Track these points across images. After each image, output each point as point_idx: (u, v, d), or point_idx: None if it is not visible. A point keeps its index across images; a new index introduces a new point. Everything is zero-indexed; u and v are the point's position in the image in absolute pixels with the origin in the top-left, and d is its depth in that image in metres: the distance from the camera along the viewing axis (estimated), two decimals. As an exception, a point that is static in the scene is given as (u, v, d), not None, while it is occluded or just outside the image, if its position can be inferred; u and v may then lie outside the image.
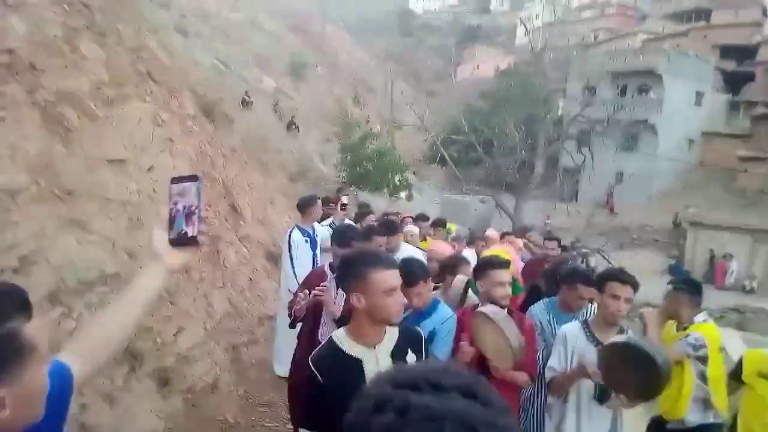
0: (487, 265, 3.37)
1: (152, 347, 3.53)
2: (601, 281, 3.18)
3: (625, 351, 2.66)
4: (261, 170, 11.56)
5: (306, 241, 5.32)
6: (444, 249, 4.70)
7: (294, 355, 3.95)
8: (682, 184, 32.71)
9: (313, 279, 3.79)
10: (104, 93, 4.32)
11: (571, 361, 3.14)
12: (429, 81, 68.27)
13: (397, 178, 20.25)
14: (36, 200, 2.94)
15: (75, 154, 3.52)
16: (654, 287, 10.84)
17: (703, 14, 51.19)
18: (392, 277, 2.16)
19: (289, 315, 3.81)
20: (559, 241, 6.90)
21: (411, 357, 2.29)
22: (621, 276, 3.13)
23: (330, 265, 3.83)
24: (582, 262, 4.31)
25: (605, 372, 2.74)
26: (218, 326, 4.64)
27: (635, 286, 3.15)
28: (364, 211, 7.85)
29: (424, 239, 6.92)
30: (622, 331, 3.13)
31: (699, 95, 34.78)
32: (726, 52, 42.42)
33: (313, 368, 2.17)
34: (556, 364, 3.23)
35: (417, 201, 23.38)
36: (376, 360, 2.16)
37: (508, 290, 3.28)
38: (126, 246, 3.58)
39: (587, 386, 3.05)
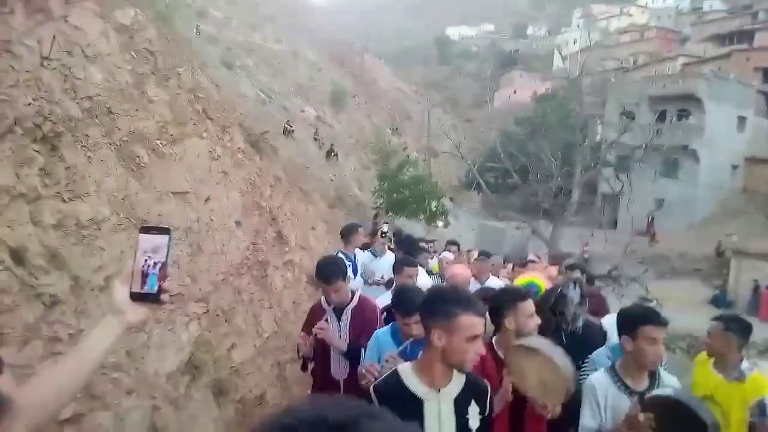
0: (515, 298, 3.08)
1: (210, 360, 3.95)
2: (633, 324, 2.79)
3: (671, 407, 2.41)
4: (302, 198, 12.03)
5: (348, 265, 5.71)
6: (463, 271, 4.83)
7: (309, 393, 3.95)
8: (725, 211, 32.10)
9: (313, 317, 3.71)
10: (168, 132, 4.83)
11: (605, 414, 2.80)
12: (467, 107, 68.86)
13: (433, 205, 20.58)
14: (116, 229, 3.40)
15: (146, 187, 4.00)
16: (697, 318, 10.82)
17: (745, 36, 50.39)
18: (479, 325, 2.12)
19: (299, 358, 3.75)
20: (582, 268, 6.24)
21: (474, 408, 2.24)
22: (657, 318, 2.77)
23: (326, 300, 3.69)
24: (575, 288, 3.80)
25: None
26: (266, 344, 5.04)
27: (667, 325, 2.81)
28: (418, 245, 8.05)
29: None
30: (653, 375, 2.84)
31: (741, 120, 34.26)
32: (769, 75, 41.72)
33: (373, 397, 2.19)
34: (590, 421, 2.85)
35: (453, 227, 23.61)
36: (438, 403, 2.15)
37: (537, 320, 3.04)
38: (189, 269, 4.03)
39: None
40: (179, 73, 6.12)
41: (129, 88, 4.78)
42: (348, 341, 3.54)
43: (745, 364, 3.40)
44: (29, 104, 3.25)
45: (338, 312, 3.65)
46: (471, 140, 49.05)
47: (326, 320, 3.58)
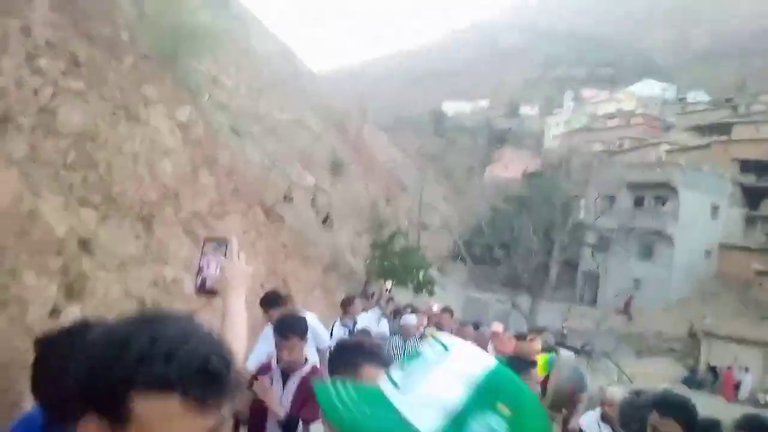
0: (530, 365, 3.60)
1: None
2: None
3: None
4: (303, 263, 13.28)
5: (346, 332, 6.75)
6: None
7: None
8: (699, 294, 33.48)
9: (253, 377, 3.41)
10: (215, 210, 6.18)
11: None
12: (459, 179, 70.80)
13: (421, 275, 21.81)
14: (190, 287, 4.67)
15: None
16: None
17: (725, 128, 53.01)
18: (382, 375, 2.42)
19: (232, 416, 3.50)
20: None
21: None
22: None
23: (277, 359, 3.43)
24: None
25: None
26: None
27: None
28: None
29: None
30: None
31: (714, 208, 36.13)
32: (746, 166, 43.76)
33: None
34: None
35: (440, 296, 24.70)
36: None
37: None
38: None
39: None
40: (218, 159, 7.53)
41: (188, 175, 6.16)
42: (288, 409, 3.20)
43: None
44: (135, 193, 4.59)
45: (285, 376, 3.36)
46: (463, 211, 50.82)
47: (271, 380, 3.30)
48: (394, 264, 20.98)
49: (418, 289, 22.01)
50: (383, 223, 25.91)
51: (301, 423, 3.10)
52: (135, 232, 4.31)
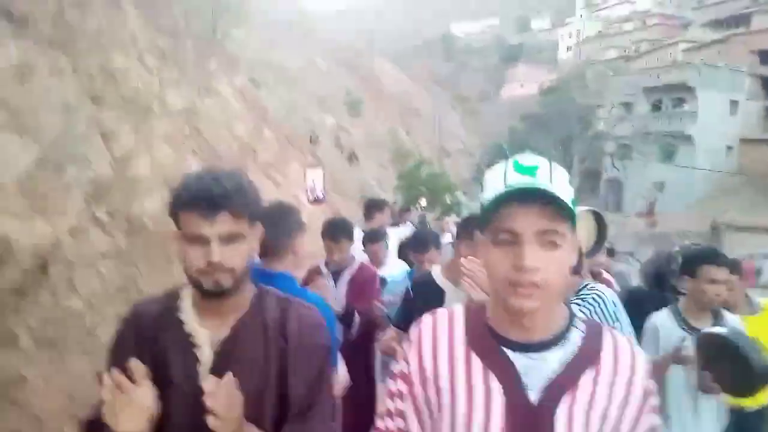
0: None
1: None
2: (694, 263, 2.86)
3: (722, 347, 2.44)
4: (341, 198, 14.63)
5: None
6: None
7: None
8: (721, 191, 34.14)
9: (309, 278, 3.49)
10: (281, 158, 7.45)
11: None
12: (474, 102, 70.40)
13: (448, 199, 23.03)
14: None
15: (282, 195, 6.63)
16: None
17: (744, 19, 51.22)
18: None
19: None
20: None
21: None
22: (718, 259, 2.83)
23: (325, 262, 3.61)
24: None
25: (702, 361, 2.55)
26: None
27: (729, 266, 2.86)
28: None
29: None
30: (717, 315, 2.87)
31: (733, 104, 36.18)
32: (765, 57, 43.01)
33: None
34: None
35: (467, 218, 25.89)
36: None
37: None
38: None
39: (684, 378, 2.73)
40: (269, 115, 8.75)
41: (255, 132, 7.41)
42: (344, 305, 3.44)
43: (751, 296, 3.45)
44: (228, 150, 5.88)
45: (336, 275, 3.58)
46: (479, 135, 51.36)
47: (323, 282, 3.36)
48: (422, 191, 22.21)
49: (446, 212, 23.26)
50: (406, 154, 26.96)
51: (356, 315, 3.44)
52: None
